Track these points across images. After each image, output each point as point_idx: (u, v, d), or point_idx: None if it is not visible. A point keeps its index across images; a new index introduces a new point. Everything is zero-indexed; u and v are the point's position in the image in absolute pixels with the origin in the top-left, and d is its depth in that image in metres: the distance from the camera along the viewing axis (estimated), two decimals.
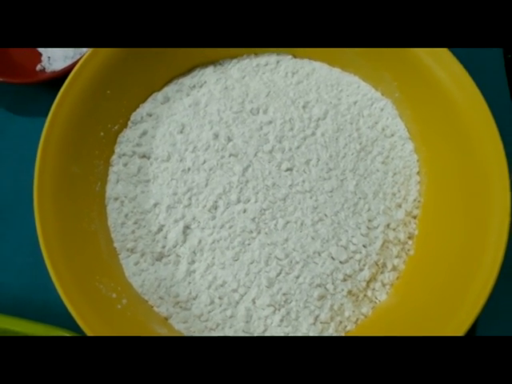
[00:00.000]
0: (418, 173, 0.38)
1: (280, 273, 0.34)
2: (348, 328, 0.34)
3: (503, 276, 0.30)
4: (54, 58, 0.46)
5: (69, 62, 0.44)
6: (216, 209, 0.35)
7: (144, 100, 0.40)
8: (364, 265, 0.34)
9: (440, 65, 0.34)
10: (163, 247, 0.35)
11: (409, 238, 0.36)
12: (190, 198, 0.36)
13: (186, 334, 0.33)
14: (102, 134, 0.37)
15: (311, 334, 0.33)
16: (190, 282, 0.34)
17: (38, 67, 0.46)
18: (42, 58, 0.47)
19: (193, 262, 0.35)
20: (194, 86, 0.40)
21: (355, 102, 0.39)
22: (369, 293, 0.35)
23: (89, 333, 0.29)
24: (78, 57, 0.45)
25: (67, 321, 0.30)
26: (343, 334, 0.34)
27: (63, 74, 0.40)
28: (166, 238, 0.35)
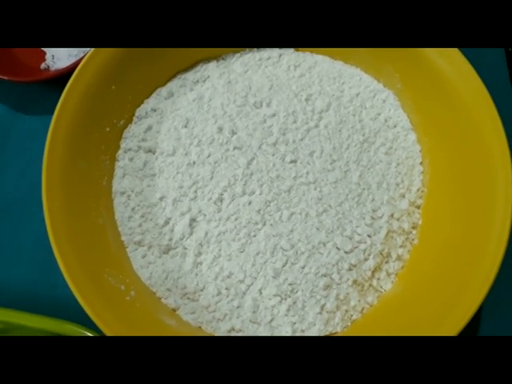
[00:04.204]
0: (420, 163, 0.38)
1: (286, 263, 0.34)
2: (354, 317, 0.34)
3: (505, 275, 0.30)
4: (58, 57, 0.47)
5: (73, 60, 0.44)
6: (221, 201, 0.36)
7: (148, 95, 0.40)
8: (369, 254, 0.35)
9: (442, 55, 0.34)
10: (170, 240, 0.36)
11: (413, 227, 0.36)
12: (195, 191, 0.36)
13: (193, 324, 0.34)
14: (107, 129, 0.37)
15: (318, 323, 0.33)
16: (197, 274, 0.35)
17: (43, 66, 0.46)
18: (46, 57, 0.47)
19: (199, 253, 0.35)
20: (198, 81, 0.40)
21: (357, 94, 0.40)
22: (374, 282, 0.35)
23: (99, 324, 0.29)
24: (82, 55, 0.45)
25: (77, 316, 0.31)
26: (349, 323, 0.34)
27: (67, 72, 0.40)
28: (172, 230, 0.36)
